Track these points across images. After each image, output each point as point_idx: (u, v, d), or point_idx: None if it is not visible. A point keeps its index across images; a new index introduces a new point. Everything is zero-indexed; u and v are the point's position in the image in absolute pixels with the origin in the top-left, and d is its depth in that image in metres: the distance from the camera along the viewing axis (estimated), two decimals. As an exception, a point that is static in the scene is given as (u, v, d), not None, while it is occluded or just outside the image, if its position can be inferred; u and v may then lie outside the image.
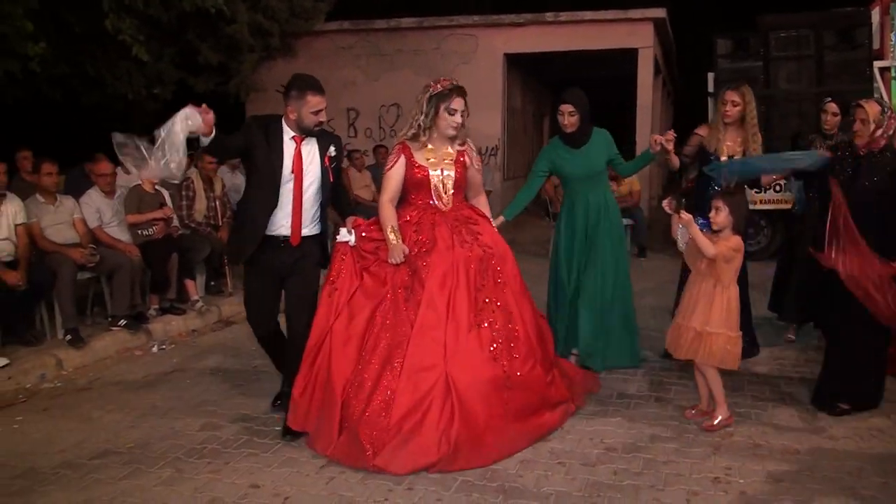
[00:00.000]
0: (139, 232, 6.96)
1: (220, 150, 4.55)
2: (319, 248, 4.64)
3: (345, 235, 4.45)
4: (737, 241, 4.42)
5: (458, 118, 4.46)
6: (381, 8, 15.43)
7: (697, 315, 4.40)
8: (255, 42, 13.11)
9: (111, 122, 11.52)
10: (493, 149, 13.96)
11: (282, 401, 4.70)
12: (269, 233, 4.45)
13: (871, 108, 4.67)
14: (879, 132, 4.62)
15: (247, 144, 4.38)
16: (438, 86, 4.46)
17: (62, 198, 6.63)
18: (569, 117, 5.35)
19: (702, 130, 5.66)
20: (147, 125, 11.07)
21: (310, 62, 14.32)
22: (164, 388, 5.43)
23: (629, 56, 13.74)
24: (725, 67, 10.61)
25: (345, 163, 11.03)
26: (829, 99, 6.31)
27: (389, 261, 4.33)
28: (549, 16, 13.71)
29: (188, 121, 3.96)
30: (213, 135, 4.10)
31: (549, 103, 18.79)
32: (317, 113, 4.38)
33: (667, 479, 3.82)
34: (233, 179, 9.36)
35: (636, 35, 13.64)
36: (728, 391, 4.62)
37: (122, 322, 6.52)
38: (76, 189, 7.27)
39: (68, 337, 6.12)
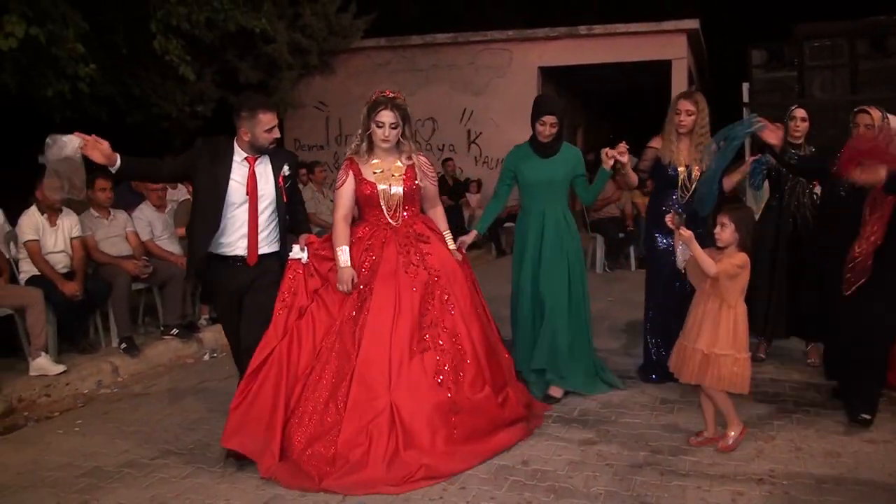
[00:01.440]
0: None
1: (142, 177, 4.58)
2: (278, 266, 4.52)
3: (297, 253, 4.43)
4: (742, 257, 4.19)
5: (385, 131, 4.36)
6: (417, 24, 15.68)
7: (704, 337, 4.21)
8: (294, 60, 13.44)
9: (155, 140, 11.86)
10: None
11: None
12: (226, 253, 4.40)
13: (875, 113, 4.85)
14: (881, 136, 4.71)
15: (187, 168, 4.38)
16: (371, 98, 4.44)
17: (115, 212, 6.87)
18: (550, 128, 5.15)
19: (655, 143, 5.50)
20: (187, 142, 11.39)
21: (347, 79, 14.65)
22: (218, 394, 5.58)
23: (663, 67, 13.83)
24: (760, 77, 10.71)
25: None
26: (796, 106, 5.99)
27: (338, 287, 4.31)
28: (582, 29, 13.91)
29: (66, 149, 3.96)
30: (118, 164, 4.07)
31: (582, 115, 18.90)
32: (270, 130, 4.29)
33: (712, 480, 3.90)
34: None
35: (670, 46, 13.77)
36: (769, 398, 4.68)
37: (174, 331, 6.73)
38: (123, 203, 7.50)
39: (123, 345, 6.33)
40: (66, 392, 5.67)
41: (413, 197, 4.53)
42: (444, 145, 14.60)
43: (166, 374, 6.22)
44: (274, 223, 4.48)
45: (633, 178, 5.41)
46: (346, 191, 4.46)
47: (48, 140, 4.08)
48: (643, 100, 16.35)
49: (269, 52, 12.79)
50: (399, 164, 4.48)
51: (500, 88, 14.16)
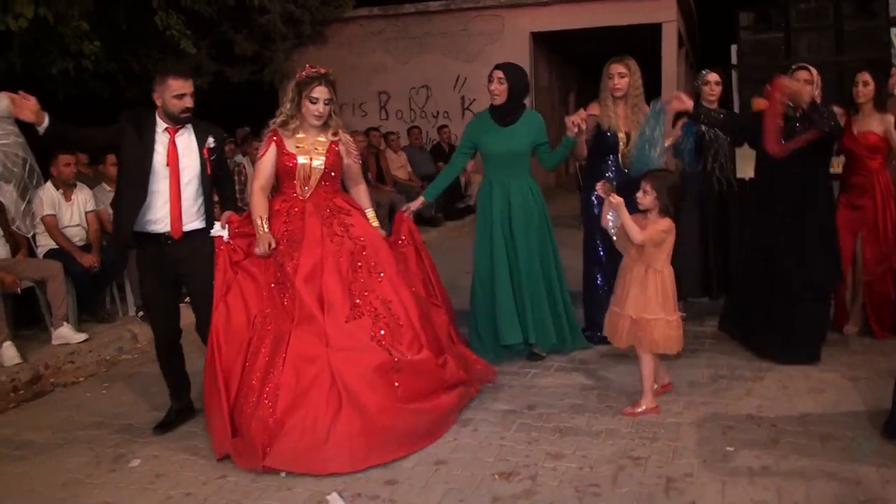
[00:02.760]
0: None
1: (70, 143, 4.51)
2: (209, 243, 4.40)
3: (218, 230, 4.35)
4: (666, 223, 4.24)
5: (319, 107, 4.33)
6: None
7: (632, 302, 4.26)
8: (287, 31, 13.55)
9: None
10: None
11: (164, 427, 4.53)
12: (151, 230, 4.33)
13: (813, 70, 5.09)
14: (817, 92, 5.07)
15: (113, 139, 4.30)
16: (304, 73, 4.39)
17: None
18: (497, 84, 5.07)
19: (593, 109, 5.43)
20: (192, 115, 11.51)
21: (340, 48, 14.77)
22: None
23: (653, 30, 13.99)
24: (748, 39, 10.90)
25: (381, 144, 11.50)
26: (707, 70, 6.00)
27: (255, 251, 4.27)
28: (573, -7, 14.02)
29: None
30: (46, 123, 3.93)
31: (574, 80, 19.06)
32: (180, 97, 4.21)
33: (705, 417, 4.21)
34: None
35: (660, 10, 13.94)
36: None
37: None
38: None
39: (140, 314, 6.58)
40: (89, 359, 5.93)
41: (333, 172, 4.47)
42: (438, 112, 14.77)
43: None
44: (201, 199, 4.41)
45: (584, 150, 5.44)
46: (267, 161, 4.42)
47: None
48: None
49: (264, 24, 12.91)
50: (322, 139, 4.45)
51: (492, 55, 14.14)
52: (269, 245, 4.25)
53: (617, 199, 4.22)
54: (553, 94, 17.32)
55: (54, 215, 6.43)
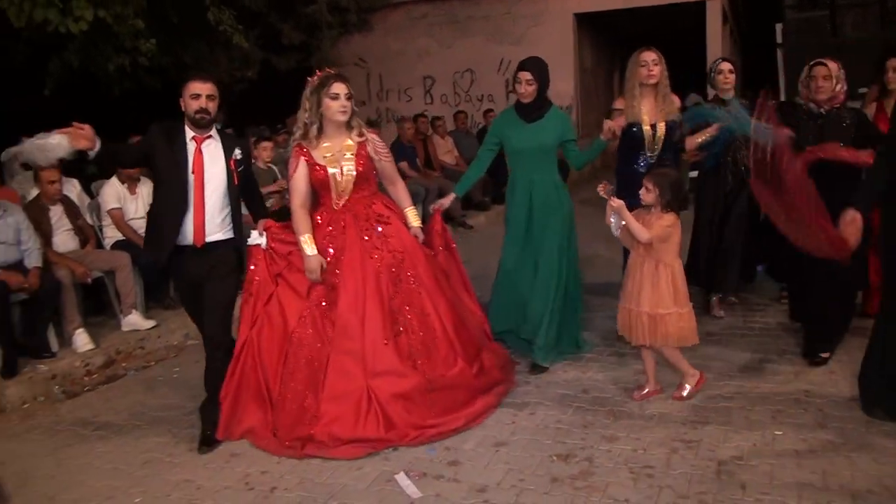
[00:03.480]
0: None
1: (114, 161, 4.57)
2: (234, 254, 4.51)
3: (256, 238, 4.43)
4: (670, 217, 4.26)
5: (342, 101, 4.34)
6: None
7: (645, 298, 4.29)
8: (333, 19, 13.74)
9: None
10: (566, 108, 14.30)
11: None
12: (180, 242, 4.37)
13: (832, 65, 4.83)
14: (839, 87, 4.83)
15: (146, 151, 4.38)
16: (315, 79, 4.40)
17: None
18: (526, 86, 5.01)
19: (619, 104, 5.40)
20: (235, 105, 11.78)
21: (385, 35, 14.94)
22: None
23: (697, 9, 13.92)
24: (793, 18, 10.82)
25: (428, 130, 11.66)
26: (720, 59, 5.98)
27: (308, 276, 4.33)
28: (617, -27, 14.00)
29: (52, 145, 4.05)
30: (97, 147, 4.11)
31: (618, 60, 18.95)
32: (195, 97, 4.27)
33: (754, 400, 4.35)
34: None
35: (703, -13, 13.82)
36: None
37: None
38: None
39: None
40: (158, 344, 6.23)
41: (367, 176, 4.49)
42: (482, 96, 14.87)
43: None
44: (227, 209, 4.43)
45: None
46: (299, 177, 4.42)
47: (31, 147, 4.19)
48: (679, 43, 16.41)
49: (310, 13, 13.13)
50: (350, 142, 4.44)
51: (536, 37, 14.35)
52: (321, 268, 4.31)
53: (617, 203, 4.24)
54: (597, 75, 17.30)
55: (120, 208, 6.71)
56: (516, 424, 4.25)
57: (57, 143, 4.05)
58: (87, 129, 4.07)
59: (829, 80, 4.83)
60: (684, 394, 4.42)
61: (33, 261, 5.94)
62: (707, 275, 5.86)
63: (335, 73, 4.45)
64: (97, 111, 11.43)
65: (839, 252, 3.82)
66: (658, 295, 4.25)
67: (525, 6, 14.41)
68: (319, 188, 4.45)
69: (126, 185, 6.77)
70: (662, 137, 5.23)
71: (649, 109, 5.22)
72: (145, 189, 6.88)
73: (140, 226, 6.79)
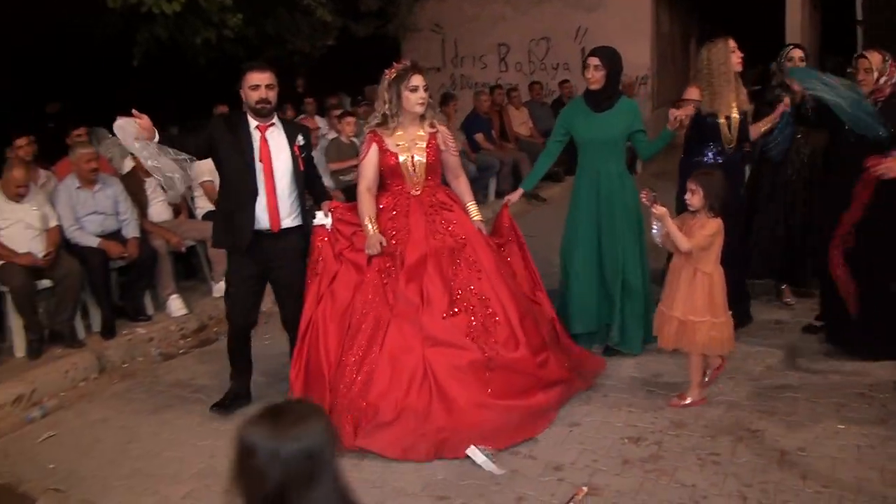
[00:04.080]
0: (340, 178, 7.95)
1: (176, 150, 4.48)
2: (303, 240, 4.65)
3: (321, 219, 4.55)
4: (714, 225, 4.23)
5: (421, 93, 4.47)
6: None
7: (679, 303, 4.29)
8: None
9: (287, 74, 12.57)
10: (642, 78, 14.16)
11: (221, 406, 4.79)
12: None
13: (874, 57, 4.76)
14: (883, 80, 4.74)
15: (208, 142, 4.51)
16: (393, 71, 4.51)
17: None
18: (594, 71, 5.00)
19: (692, 94, 5.29)
20: (313, 73, 11.99)
21: (461, 1, 14.93)
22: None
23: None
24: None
25: (504, 101, 11.76)
26: (791, 46, 5.90)
27: (367, 251, 4.43)
28: (696, -60, 13.76)
29: (126, 131, 4.20)
30: (156, 139, 4.26)
31: (695, 26, 18.67)
32: (255, 88, 4.40)
33: (819, 393, 4.50)
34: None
35: (783, -45, 13.51)
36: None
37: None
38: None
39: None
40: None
41: (435, 167, 4.63)
42: (557, 64, 14.77)
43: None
44: (294, 194, 4.60)
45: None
46: (370, 162, 4.57)
47: (117, 131, 4.30)
48: (754, 10, 16.09)
49: (388, -22, 13.26)
50: (421, 132, 4.58)
51: (613, 5, 14.13)
52: (381, 245, 4.42)
53: (660, 210, 4.23)
54: (674, 41, 17.04)
55: (212, 181, 7.01)
56: (590, 406, 4.49)
57: (125, 123, 4.21)
58: (144, 119, 4.22)
59: (870, 73, 4.77)
60: (683, 402, 4.42)
61: (131, 231, 6.35)
62: (780, 264, 5.89)
63: (412, 64, 4.59)
64: (182, 80, 11.89)
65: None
66: (692, 302, 4.25)
67: (603, -28, 14.24)
68: (388, 174, 4.59)
69: (216, 158, 7.11)
70: (737, 129, 5.19)
71: (728, 100, 5.17)
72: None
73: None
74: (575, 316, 5.18)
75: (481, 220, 4.80)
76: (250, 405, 4.78)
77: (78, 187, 6.23)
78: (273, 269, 4.63)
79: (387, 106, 4.52)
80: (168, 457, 4.35)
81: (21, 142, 6.98)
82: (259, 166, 4.46)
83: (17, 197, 5.90)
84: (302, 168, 4.60)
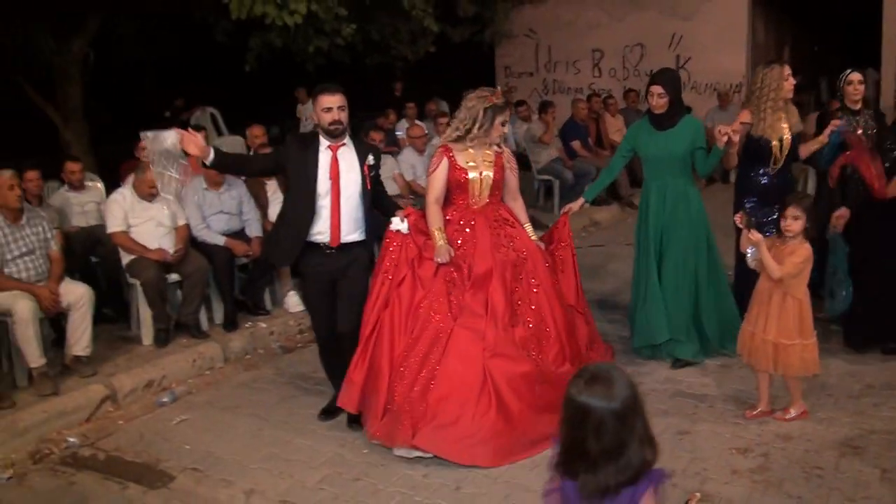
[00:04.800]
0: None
1: (238, 170, 4.84)
2: (367, 254, 4.85)
3: (397, 224, 4.69)
4: (805, 252, 4.33)
5: (506, 128, 4.85)
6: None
7: (772, 328, 4.37)
8: (504, -9, 14.08)
9: (390, 79, 12.96)
10: (736, 86, 14.10)
11: (327, 413, 5.02)
12: (314, 240, 4.65)
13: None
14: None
15: (280, 162, 4.76)
16: (494, 98, 4.68)
17: (386, 157, 7.99)
18: (658, 99, 5.25)
19: (745, 117, 5.39)
20: (409, 73, 12.30)
21: (556, 6, 15.13)
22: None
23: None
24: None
25: (601, 107, 11.90)
26: (850, 70, 5.90)
27: (436, 260, 4.57)
28: (796, -52, 13.65)
29: (160, 140, 4.50)
30: (211, 157, 4.42)
31: (789, 34, 18.45)
32: (328, 111, 4.52)
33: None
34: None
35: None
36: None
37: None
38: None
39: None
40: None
41: (499, 185, 4.83)
42: (651, 71, 14.72)
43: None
44: (360, 211, 4.69)
45: (734, 160, 5.45)
46: (440, 176, 4.75)
47: (148, 134, 4.59)
48: (852, 19, 15.78)
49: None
50: (489, 151, 4.79)
51: (709, 12, 14.11)
52: (449, 255, 4.59)
53: (756, 237, 4.34)
54: (769, 49, 16.86)
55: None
56: (697, 415, 4.70)
57: (167, 135, 4.47)
58: (198, 138, 4.43)
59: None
60: (787, 416, 4.55)
61: (254, 230, 6.79)
62: None
63: (508, 99, 4.80)
64: (290, 85, 12.40)
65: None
66: (784, 326, 4.35)
67: (700, -20, 14.23)
68: (455, 189, 4.78)
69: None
70: (787, 151, 5.36)
71: (780, 124, 5.32)
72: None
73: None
74: (657, 326, 5.33)
75: (538, 241, 5.02)
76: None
77: (205, 188, 6.69)
78: (339, 282, 4.77)
79: (476, 127, 4.68)
80: (299, 444, 4.72)
81: (143, 144, 7.49)
82: (328, 186, 4.60)
83: (150, 196, 6.35)
84: (369, 187, 4.72)
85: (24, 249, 5.58)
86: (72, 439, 4.99)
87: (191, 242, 6.51)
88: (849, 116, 5.69)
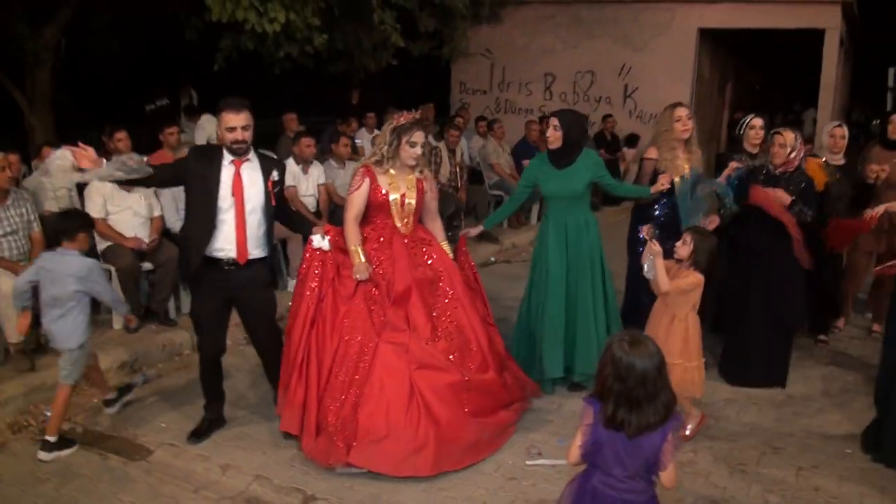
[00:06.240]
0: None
1: (138, 182, 4.61)
2: (268, 271, 4.82)
3: (318, 242, 4.71)
4: (696, 278, 4.53)
5: (417, 150, 4.78)
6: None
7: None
8: (467, 11, 14.50)
9: (348, 88, 13.32)
10: (678, 118, 14.76)
11: (197, 436, 4.90)
12: (215, 255, 4.58)
13: (788, 135, 5.49)
14: (793, 155, 5.49)
15: (180, 174, 4.62)
16: (402, 119, 4.78)
17: (349, 163, 8.39)
18: (552, 131, 5.30)
19: (651, 153, 5.69)
20: (367, 83, 12.60)
21: (512, 29, 15.68)
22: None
23: (814, 35, 14.26)
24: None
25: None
26: (753, 115, 6.37)
27: (355, 277, 4.65)
28: (744, -6, 14.43)
29: (60, 161, 4.32)
30: (101, 168, 4.27)
31: (731, 71, 19.33)
32: (231, 130, 4.45)
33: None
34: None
35: (824, 15, 14.10)
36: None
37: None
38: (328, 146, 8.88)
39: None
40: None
41: (419, 208, 4.95)
42: (601, 98, 15.41)
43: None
44: (263, 228, 4.67)
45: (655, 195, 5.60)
46: (360, 195, 4.81)
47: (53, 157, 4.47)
48: (794, 59, 16.64)
49: (447, 4, 13.90)
50: (412, 176, 4.90)
51: (658, 46, 14.79)
52: (368, 272, 4.69)
53: (657, 248, 4.48)
54: (712, 84, 17.72)
55: (295, 186, 7.80)
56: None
57: (59, 156, 4.35)
58: (90, 151, 4.25)
59: (783, 148, 5.50)
60: (687, 433, 4.77)
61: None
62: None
63: (418, 120, 4.86)
64: (257, 87, 12.62)
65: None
66: (668, 345, 4.41)
67: (652, 15, 14.85)
68: (375, 208, 4.87)
69: (300, 166, 7.86)
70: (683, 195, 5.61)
71: (680, 162, 5.62)
72: (316, 170, 7.99)
73: (310, 203, 7.89)
74: (547, 358, 5.41)
75: (453, 258, 5.13)
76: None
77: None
78: (239, 298, 4.74)
79: (385, 148, 4.83)
80: (270, 426, 5.04)
81: (120, 135, 7.73)
82: (231, 200, 4.54)
83: (128, 186, 6.56)
84: (274, 203, 4.70)
85: (7, 230, 5.81)
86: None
87: (164, 233, 6.77)
88: (746, 158, 6.07)
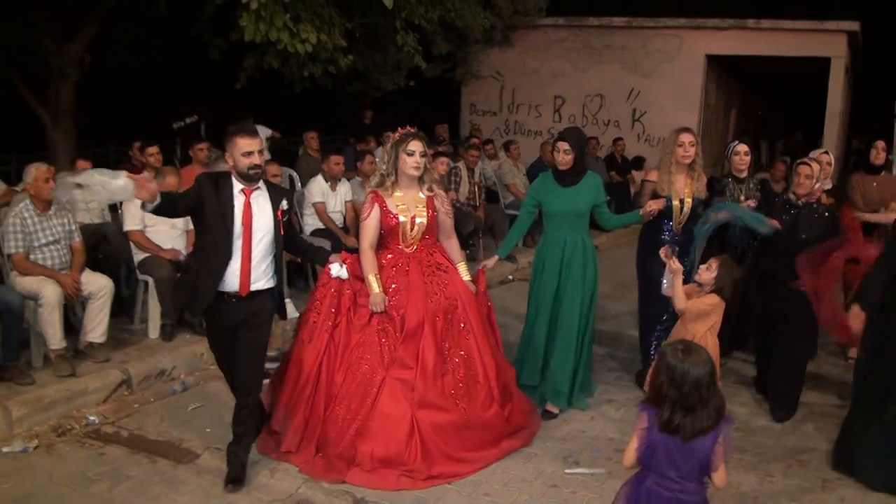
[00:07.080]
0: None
1: (171, 212, 4.40)
2: (273, 302, 4.60)
3: (337, 270, 4.70)
4: (714, 299, 4.56)
5: (417, 158, 4.72)
6: (594, 6, 16.73)
7: None
8: (480, 35, 14.78)
9: (365, 107, 13.55)
10: (689, 143, 15.01)
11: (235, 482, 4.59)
12: (221, 289, 4.39)
13: (815, 167, 5.52)
14: (818, 186, 5.57)
15: (198, 200, 4.33)
16: (396, 135, 4.80)
17: (373, 181, 8.58)
18: (563, 155, 5.36)
19: (652, 176, 5.77)
20: (378, 105, 12.82)
21: (524, 53, 15.97)
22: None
23: (821, 63, 14.63)
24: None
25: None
26: (738, 141, 6.44)
27: (371, 308, 4.67)
28: (750, 22, 14.78)
29: (117, 188, 4.10)
30: (157, 202, 4.12)
31: (737, 96, 19.64)
32: (248, 155, 4.30)
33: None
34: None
35: (831, 44, 14.53)
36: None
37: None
38: (351, 164, 9.08)
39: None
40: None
41: (432, 227, 4.89)
42: (609, 121, 15.72)
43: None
44: (270, 258, 4.52)
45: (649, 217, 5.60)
46: (372, 222, 4.80)
47: (95, 175, 4.19)
48: (798, 87, 16.98)
49: (461, 28, 14.17)
50: (421, 195, 4.86)
51: (667, 72, 15.14)
52: (384, 304, 4.70)
53: (676, 266, 4.62)
54: (718, 109, 18.00)
55: (324, 203, 7.99)
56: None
57: (122, 187, 4.11)
58: (153, 185, 4.12)
59: (810, 179, 5.51)
60: None
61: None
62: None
63: (414, 132, 4.82)
64: (276, 105, 12.84)
65: (843, 335, 5.03)
66: None
67: (660, 42, 15.18)
68: (388, 233, 4.84)
69: (329, 183, 8.05)
70: (688, 212, 5.71)
71: (681, 186, 5.65)
72: (343, 188, 8.18)
73: (337, 219, 8.08)
74: (526, 369, 5.62)
75: (470, 280, 5.08)
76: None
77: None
78: (239, 330, 4.50)
79: (384, 166, 4.84)
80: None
81: (152, 150, 7.96)
82: (239, 230, 4.39)
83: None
84: (282, 232, 4.57)
85: (50, 238, 5.96)
86: (91, 417, 5.40)
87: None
88: (734, 183, 6.21)
